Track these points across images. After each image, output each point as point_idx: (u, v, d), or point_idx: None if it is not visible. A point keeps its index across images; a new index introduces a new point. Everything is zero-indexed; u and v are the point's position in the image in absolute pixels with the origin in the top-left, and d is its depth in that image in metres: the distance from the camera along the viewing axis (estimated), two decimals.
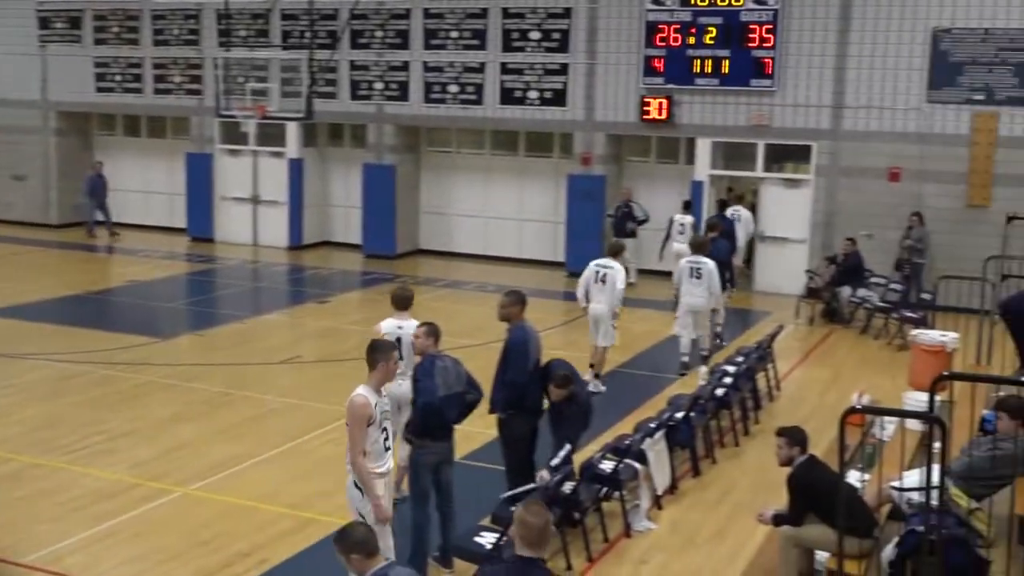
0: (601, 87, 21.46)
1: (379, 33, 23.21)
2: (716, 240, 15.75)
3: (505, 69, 22.16)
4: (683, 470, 10.69)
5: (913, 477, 7.74)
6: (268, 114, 21.62)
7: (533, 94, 21.99)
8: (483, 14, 22.21)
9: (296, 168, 24.41)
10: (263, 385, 13.54)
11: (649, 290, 20.35)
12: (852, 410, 6.77)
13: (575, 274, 21.16)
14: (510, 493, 8.44)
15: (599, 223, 21.66)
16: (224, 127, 24.60)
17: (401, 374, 8.89)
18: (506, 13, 22.05)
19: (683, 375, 14.37)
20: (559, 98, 21.84)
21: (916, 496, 7.10)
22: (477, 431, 10.53)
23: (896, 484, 7.57)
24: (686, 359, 14.60)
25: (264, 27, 24.06)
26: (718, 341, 15.78)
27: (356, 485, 7.17)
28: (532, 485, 8.39)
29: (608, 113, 21.50)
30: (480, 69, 22.35)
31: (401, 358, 8.81)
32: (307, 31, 23.18)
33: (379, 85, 23.38)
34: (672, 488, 10.12)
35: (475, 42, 22.32)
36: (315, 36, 23.04)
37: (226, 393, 13.10)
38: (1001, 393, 10.45)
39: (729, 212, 20.10)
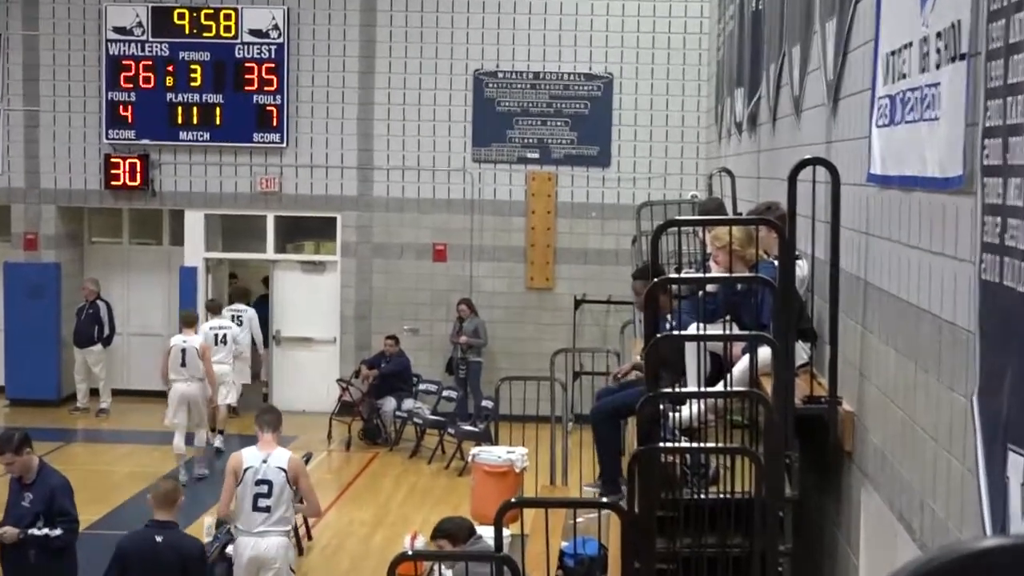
0: (48, 143, 20.87)
1: None
2: None
3: None
4: None
5: None
6: None
7: None
8: None
9: None
10: None
11: (131, 418, 19.84)
12: (403, 557, 6.98)
13: (19, 402, 20.39)
14: None
15: (54, 329, 20.88)
16: None
17: (186, 379, 16.25)
18: None
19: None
20: None
21: None
22: None
23: None
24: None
25: None
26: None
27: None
28: None
29: (60, 178, 20.92)
30: None
31: (184, 365, 16.21)
32: None
33: None
34: None
35: None
36: None
37: None
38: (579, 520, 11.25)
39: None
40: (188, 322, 16.91)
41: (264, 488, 10.20)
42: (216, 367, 17.12)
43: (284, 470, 10.27)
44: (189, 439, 16.55)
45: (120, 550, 8.80)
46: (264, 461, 10.27)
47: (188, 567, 8.72)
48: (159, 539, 8.67)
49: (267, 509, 10.20)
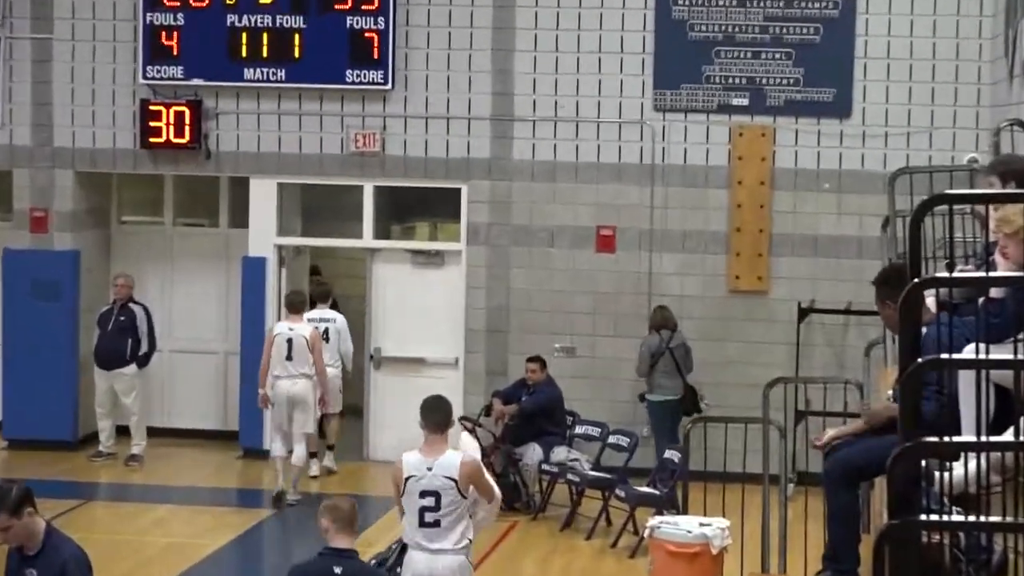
0: (63, 84, 21.32)
1: None
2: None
3: None
4: None
5: None
6: None
7: None
8: None
9: None
10: None
11: (172, 468, 20.20)
12: None
13: (21, 444, 20.88)
14: None
15: (69, 343, 21.31)
16: None
17: (293, 376, 18.14)
18: None
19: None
20: None
21: None
22: None
23: None
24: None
25: None
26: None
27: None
28: None
29: (80, 134, 21.34)
30: None
31: (290, 358, 18.09)
32: None
33: None
34: None
35: None
36: None
37: None
38: None
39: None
40: (295, 307, 18.80)
41: (430, 500, 11.30)
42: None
43: (454, 480, 11.27)
44: None
45: None
46: (429, 469, 11.32)
47: None
48: (338, 571, 9.97)
49: (436, 524, 11.31)
